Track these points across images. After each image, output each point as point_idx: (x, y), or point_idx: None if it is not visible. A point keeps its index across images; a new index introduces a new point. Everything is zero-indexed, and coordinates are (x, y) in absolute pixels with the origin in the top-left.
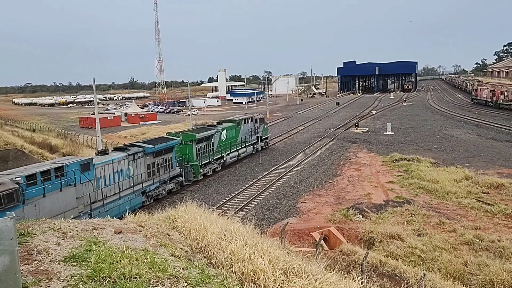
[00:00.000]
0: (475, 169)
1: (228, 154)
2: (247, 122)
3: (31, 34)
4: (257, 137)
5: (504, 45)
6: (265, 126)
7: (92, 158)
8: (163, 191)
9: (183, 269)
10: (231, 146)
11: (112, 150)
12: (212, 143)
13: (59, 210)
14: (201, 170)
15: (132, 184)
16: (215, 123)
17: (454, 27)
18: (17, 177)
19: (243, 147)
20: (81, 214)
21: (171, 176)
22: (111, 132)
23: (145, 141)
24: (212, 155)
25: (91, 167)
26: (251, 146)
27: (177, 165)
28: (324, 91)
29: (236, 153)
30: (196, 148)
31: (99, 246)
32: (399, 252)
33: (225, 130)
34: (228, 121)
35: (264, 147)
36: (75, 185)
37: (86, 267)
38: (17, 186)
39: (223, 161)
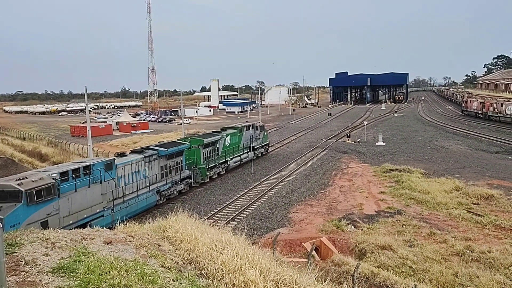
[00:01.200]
0: (465, 180)
1: (231, 159)
2: (249, 129)
3: (22, 42)
4: (249, 146)
5: (494, 58)
6: (265, 133)
7: (114, 159)
8: (175, 191)
9: (173, 280)
10: (234, 151)
11: (129, 152)
12: (218, 148)
13: (87, 204)
14: (208, 173)
15: (148, 184)
16: (219, 130)
17: (445, 40)
18: (53, 173)
19: (245, 153)
20: (105, 209)
21: (181, 178)
22: (102, 140)
23: (158, 144)
24: (217, 159)
25: (113, 166)
26: (252, 152)
27: (187, 167)
28: (316, 101)
29: (238, 158)
30: (203, 152)
31: (88, 257)
32: (391, 263)
33: (228, 136)
34: (232, 128)
35: (264, 153)
36: (101, 182)
37: (75, 278)
38: (54, 181)
39: (227, 165)
